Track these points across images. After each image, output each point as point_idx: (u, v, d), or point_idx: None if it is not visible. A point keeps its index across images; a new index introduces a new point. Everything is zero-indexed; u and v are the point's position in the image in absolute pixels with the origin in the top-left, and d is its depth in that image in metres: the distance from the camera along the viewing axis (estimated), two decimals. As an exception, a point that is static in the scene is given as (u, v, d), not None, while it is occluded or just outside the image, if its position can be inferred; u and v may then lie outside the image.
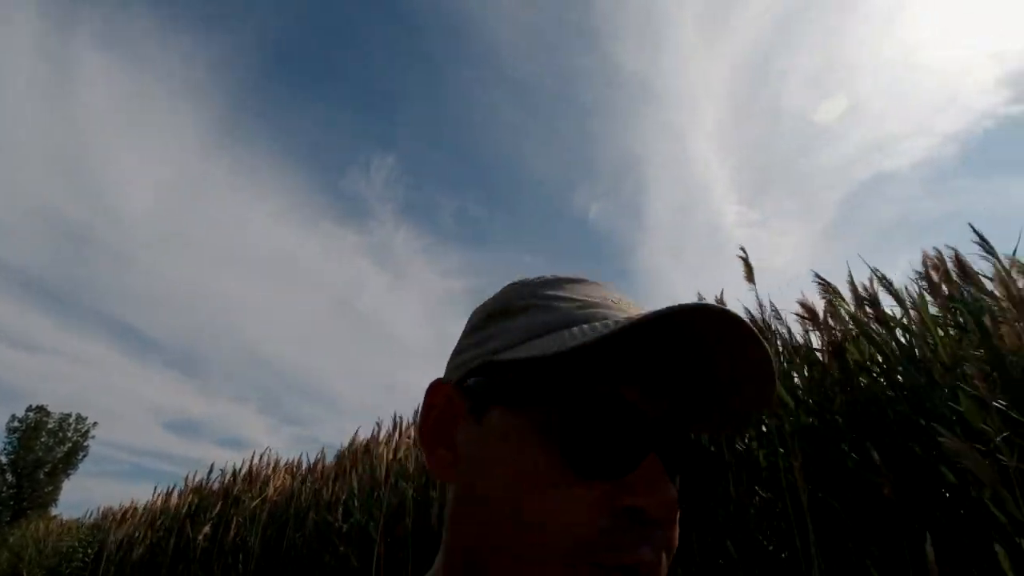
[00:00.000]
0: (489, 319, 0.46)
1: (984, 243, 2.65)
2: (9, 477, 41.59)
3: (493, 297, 0.49)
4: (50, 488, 42.68)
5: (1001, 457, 1.93)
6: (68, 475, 44.10)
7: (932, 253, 2.88)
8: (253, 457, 7.16)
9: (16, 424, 42.85)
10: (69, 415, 44.92)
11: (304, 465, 6.55)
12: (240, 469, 7.27)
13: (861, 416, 2.64)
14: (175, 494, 8.31)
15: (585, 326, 0.39)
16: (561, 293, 0.44)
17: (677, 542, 0.38)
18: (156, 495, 8.74)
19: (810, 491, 2.52)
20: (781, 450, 2.72)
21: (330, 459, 6.31)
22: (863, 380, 2.83)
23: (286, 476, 6.38)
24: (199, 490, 7.61)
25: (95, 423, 46.03)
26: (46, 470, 42.93)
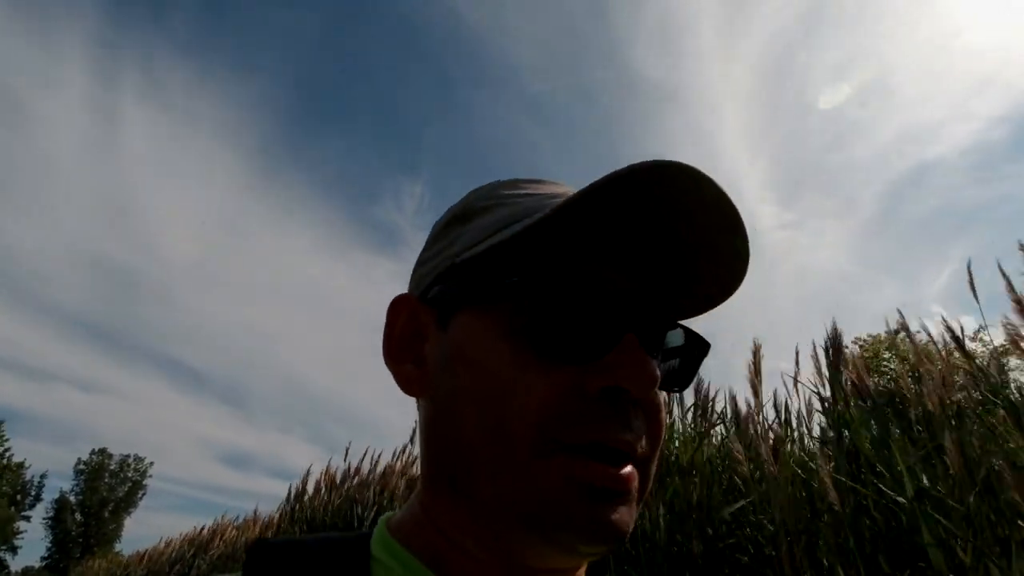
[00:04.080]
0: (448, 226, 0.44)
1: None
2: (78, 517, 45.53)
3: (452, 206, 0.46)
4: (113, 526, 46.64)
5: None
6: (129, 512, 48.09)
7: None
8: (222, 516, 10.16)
9: (82, 467, 46.88)
10: (128, 456, 48.85)
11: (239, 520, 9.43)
12: (218, 523, 10.27)
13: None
14: (175, 541, 11.41)
15: (547, 210, 0.36)
16: (522, 191, 0.42)
17: (664, 427, 0.37)
18: (160, 541, 11.88)
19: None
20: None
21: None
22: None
23: (232, 531, 9.22)
24: (192, 540, 10.63)
25: (152, 462, 50.29)
26: (110, 508, 46.78)
